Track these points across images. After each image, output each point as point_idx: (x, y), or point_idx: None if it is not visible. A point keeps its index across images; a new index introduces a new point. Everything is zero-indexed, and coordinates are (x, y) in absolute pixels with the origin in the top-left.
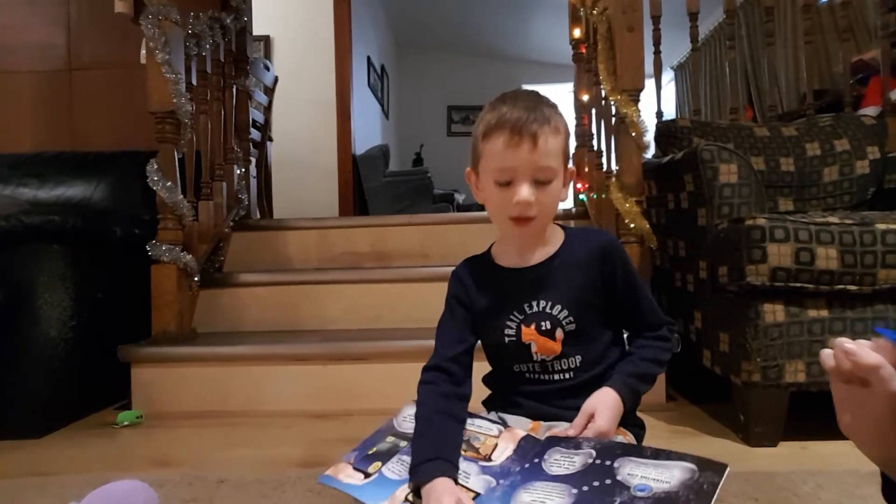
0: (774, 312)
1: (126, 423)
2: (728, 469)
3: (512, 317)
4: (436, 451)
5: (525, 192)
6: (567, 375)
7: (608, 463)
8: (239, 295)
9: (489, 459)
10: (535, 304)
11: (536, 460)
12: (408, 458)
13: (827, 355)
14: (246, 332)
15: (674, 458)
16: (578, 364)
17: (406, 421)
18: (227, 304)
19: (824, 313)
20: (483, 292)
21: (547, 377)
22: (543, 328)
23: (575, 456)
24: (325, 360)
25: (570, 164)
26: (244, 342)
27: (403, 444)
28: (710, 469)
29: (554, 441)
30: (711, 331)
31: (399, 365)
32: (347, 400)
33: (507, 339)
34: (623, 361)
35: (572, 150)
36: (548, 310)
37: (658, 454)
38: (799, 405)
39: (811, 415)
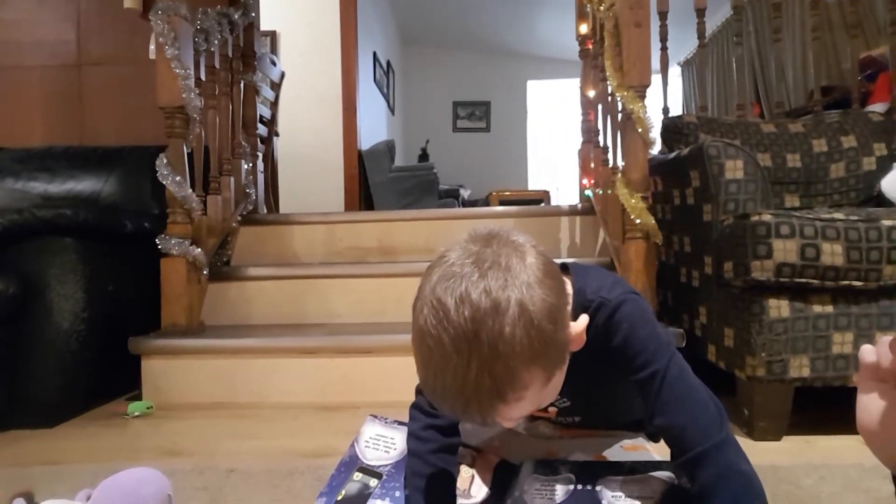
0: (779, 308)
1: (137, 413)
2: None
3: None
4: None
5: (509, 424)
6: (570, 420)
7: (589, 487)
8: (246, 288)
9: (468, 495)
10: None
11: (518, 494)
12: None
13: (867, 351)
14: (253, 325)
15: (651, 469)
16: (578, 420)
17: (368, 448)
18: (235, 298)
19: (829, 309)
20: None
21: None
22: None
23: (555, 483)
24: (332, 354)
25: (573, 328)
26: (252, 335)
27: (373, 482)
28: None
29: (530, 466)
30: (716, 326)
31: (404, 358)
32: (353, 393)
33: None
34: None
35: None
36: None
37: (635, 468)
38: (803, 400)
39: (815, 410)
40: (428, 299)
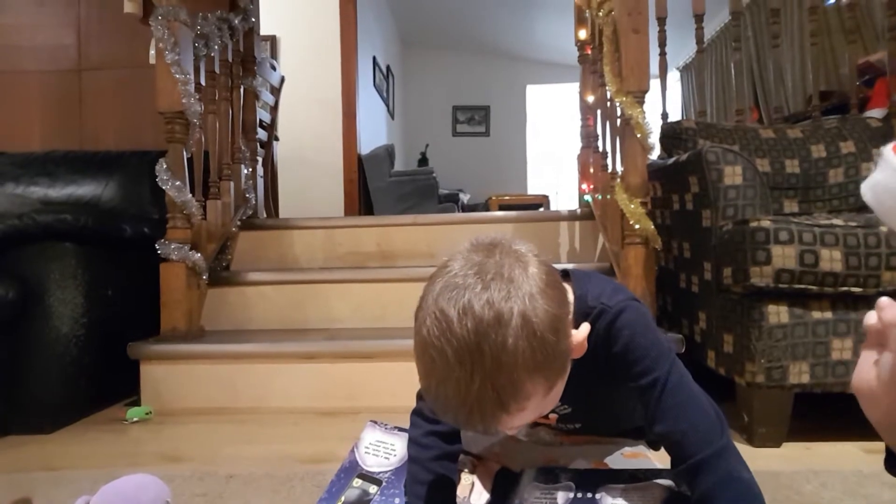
0: (779, 314)
1: (136, 419)
2: None
3: None
4: None
5: (511, 431)
6: (571, 427)
7: (590, 495)
8: (246, 293)
9: (469, 503)
10: None
11: (518, 501)
12: None
13: (870, 315)
14: (253, 331)
15: (652, 477)
16: (578, 427)
17: (368, 454)
18: (235, 303)
19: (828, 315)
20: None
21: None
22: None
23: (556, 492)
24: (332, 359)
25: (575, 336)
26: (252, 340)
27: (373, 489)
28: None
29: (531, 474)
30: (716, 331)
31: (404, 364)
32: (354, 398)
33: None
34: None
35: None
36: None
37: (636, 476)
38: (803, 406)
39: (815, 416)
40: (431, 310)
